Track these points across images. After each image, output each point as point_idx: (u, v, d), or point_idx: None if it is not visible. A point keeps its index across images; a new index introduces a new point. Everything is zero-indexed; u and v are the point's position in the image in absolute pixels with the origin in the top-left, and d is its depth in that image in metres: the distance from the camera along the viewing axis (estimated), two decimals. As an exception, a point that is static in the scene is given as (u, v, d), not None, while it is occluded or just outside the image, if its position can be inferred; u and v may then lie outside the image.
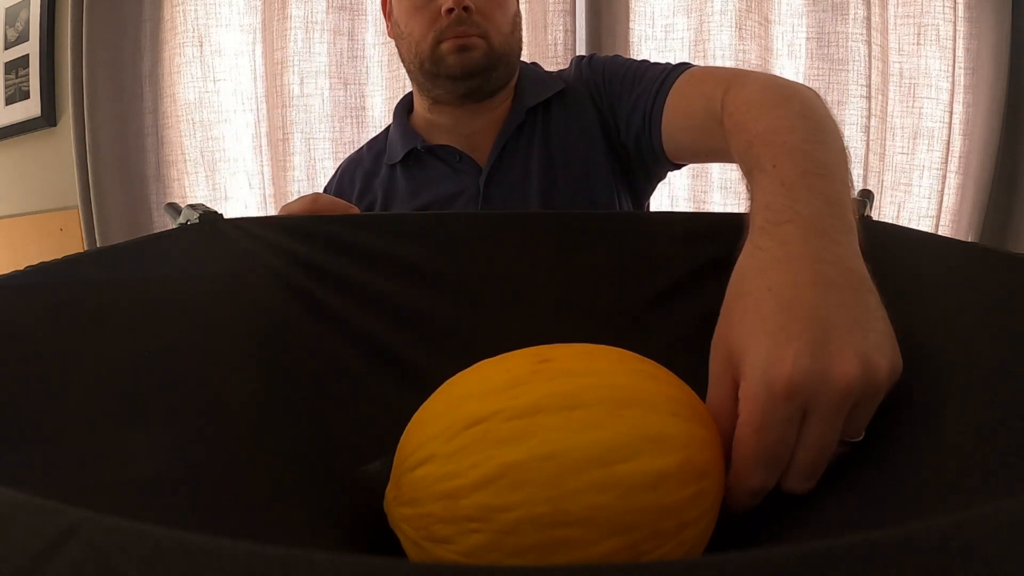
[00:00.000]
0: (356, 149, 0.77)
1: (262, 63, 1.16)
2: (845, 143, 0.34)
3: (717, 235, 0.42)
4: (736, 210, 1.13)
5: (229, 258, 0.38)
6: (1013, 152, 1.19)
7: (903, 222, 1.17)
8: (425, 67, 0.62)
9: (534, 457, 0.21)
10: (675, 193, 1.18)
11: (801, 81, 1.15)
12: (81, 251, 0.29)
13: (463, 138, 0.66)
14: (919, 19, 1.16)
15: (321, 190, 0.71)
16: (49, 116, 1.25)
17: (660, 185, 0.72)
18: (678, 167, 0.64)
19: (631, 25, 1.12)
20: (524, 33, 0.74)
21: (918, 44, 1.16)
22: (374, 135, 0.77)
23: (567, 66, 0.72)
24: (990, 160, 1.17)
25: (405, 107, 0.73)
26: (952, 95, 1.16)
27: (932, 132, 1.17)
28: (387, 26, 0.71)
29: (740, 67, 1.12)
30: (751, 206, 0.31)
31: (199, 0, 1.11)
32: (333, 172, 0.76)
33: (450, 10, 0.59)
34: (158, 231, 0.40)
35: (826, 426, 0.23)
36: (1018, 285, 0.24)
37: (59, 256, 0.26)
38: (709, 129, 0.48)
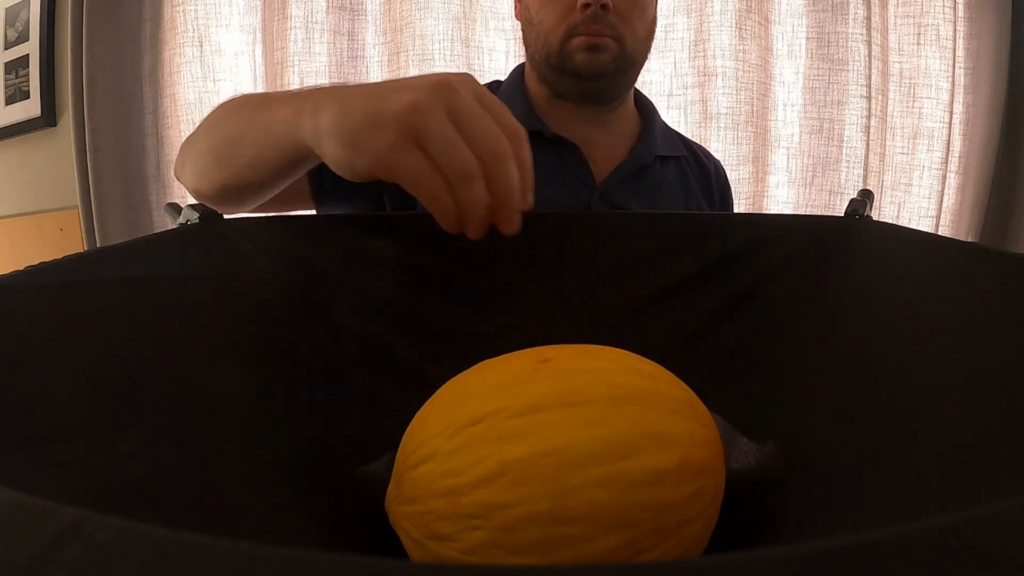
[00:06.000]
0: None
1: (262, 63, 1.16)
2: None
3: (717, 235, 0.42)
4: (736, 210, 1.12)
5: (229, 258, 0.38)
6: (1013, 152, 1.19)
7: (903, 222, 1.17)
8: (551, 60, 0.59)
9: (534, 454, 0.21)
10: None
11: (801, 81, 1.16)
12: (81, 251, 0.29)
13: (580, 142, 0.63)
14: (919, 19, 1.16)
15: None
16: (49, 116, 1.25)
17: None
18: None
19: (631, 25, 1.12)
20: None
21: (918, 44, 1.16)
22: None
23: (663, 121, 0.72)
24: (990, 160, 1.17)
25: (521, 78, 0.66)
26: (952, 95, 1.16)
27: (932, 132, 1.17)
28: (515, 7, 0.66)
29: (739, 67, 1.12)
30: None
31: (199, 0, 1.11)
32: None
33: (586, 5, 0.55)
34: (158, 231, 0.40)
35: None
36: (1018, 285, 0.24)
37: (59, 256, 0.26)
38: None
